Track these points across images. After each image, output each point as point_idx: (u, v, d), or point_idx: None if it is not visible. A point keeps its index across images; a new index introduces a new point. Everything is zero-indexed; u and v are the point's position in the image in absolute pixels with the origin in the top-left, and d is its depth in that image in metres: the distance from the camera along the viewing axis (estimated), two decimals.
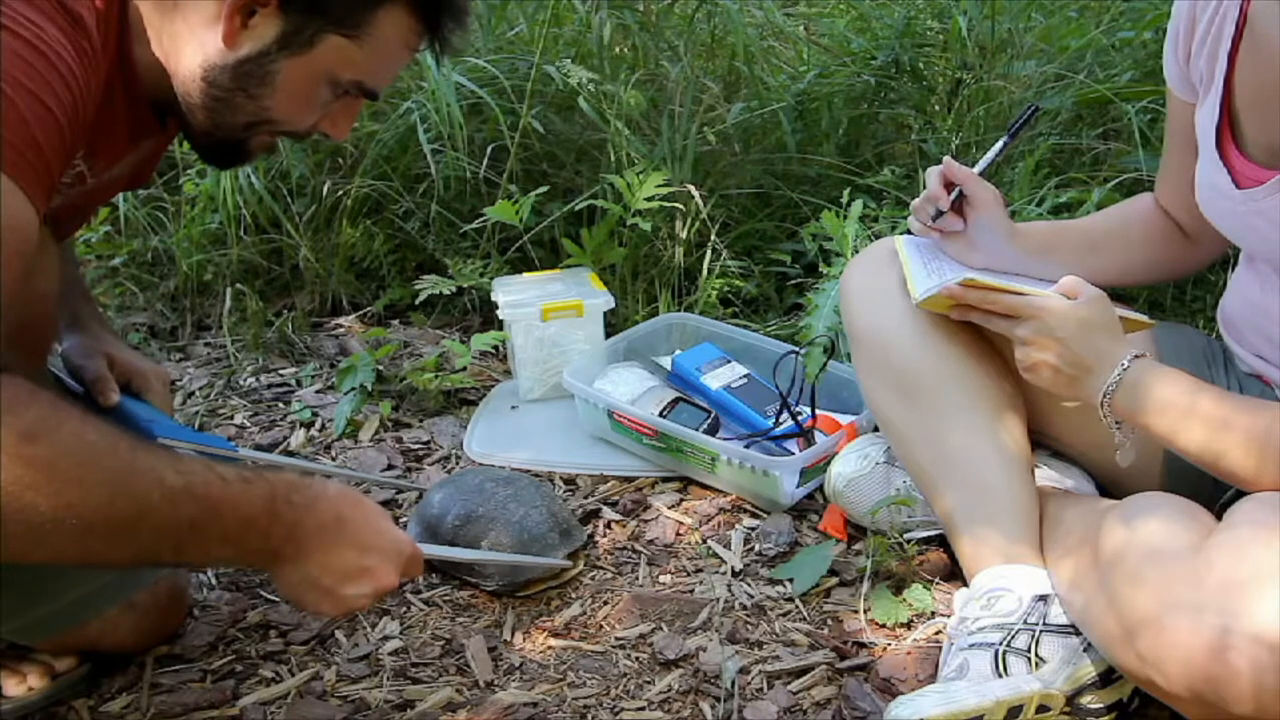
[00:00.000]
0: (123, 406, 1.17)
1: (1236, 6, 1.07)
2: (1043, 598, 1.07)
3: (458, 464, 1.60)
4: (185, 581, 1.25)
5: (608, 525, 1.44)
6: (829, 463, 1.41)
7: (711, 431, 1.52)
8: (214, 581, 1.34)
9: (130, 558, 0.90)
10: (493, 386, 1.80)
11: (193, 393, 1.83)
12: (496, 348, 1.83)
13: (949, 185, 1.24)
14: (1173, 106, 1.20)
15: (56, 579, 1.09)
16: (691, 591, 1.30)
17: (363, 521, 0.98)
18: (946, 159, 1.24)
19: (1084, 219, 1.36)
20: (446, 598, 1.30)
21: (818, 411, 1.53)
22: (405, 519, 1.45)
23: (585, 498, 1.50)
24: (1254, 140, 1.08)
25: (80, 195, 1.06)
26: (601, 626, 1.25)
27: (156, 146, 1.16)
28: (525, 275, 1.85)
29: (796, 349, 1.56)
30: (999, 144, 1.30)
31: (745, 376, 1.62)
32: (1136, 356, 1.04)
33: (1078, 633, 1.04)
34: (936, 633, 1.21)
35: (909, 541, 1.29)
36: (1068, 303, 1.08)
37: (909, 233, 1.33)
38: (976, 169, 1.25)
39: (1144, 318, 1.17)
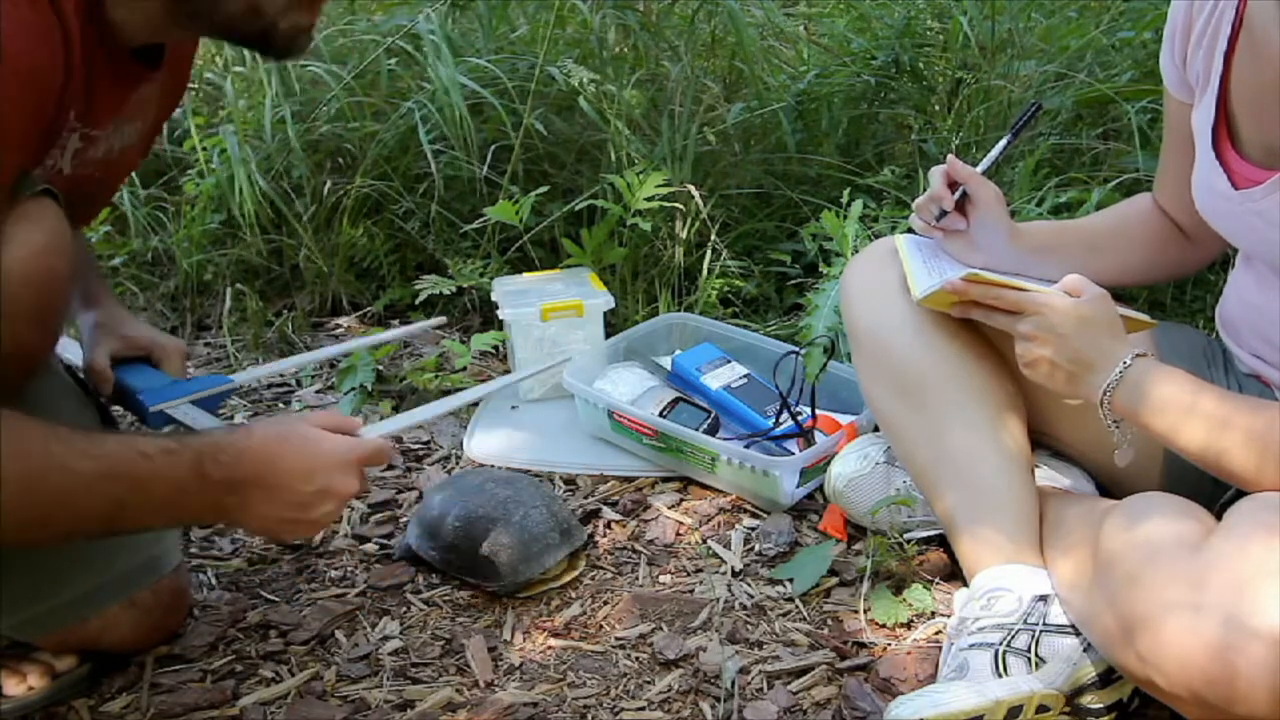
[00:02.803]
0: (119, 383, 1.24)
1: (1233, 7, 1.07)
2: (1043, 598, 1.07)
3: (458, 464, 1.60)
4: (186, 581, 1.25)
5: (608, 525, 1.44)
6: (829, 463, 1.41)
7: (711, 431, 1.52)
8: (214, 582, 1.34)
9: (60, 538, 0.95)
10: None
11: None
12: (496, 348, 1.83)
13: (953, 185, 1.24)
14: (1170, 107, 1.20)
15: (56, 575, 1.10)
16: (691, 591, 1.30)
17: (297, 452, 1.00)
18: (950, 158, 1.24)
19: (1084, 219, 1.36)
20: (446, 598, 1.30)
21: (818, 411, 1.53)
22: (406, 519, 1.45)
23: (585, 498, 1.50)
24: (1250, 140, 1.08)
25: (100, 166, 1.06)
26: (601, 626, 1.25)
27: (163, 101, 1.16)
28: (525, 275, 1.85)
29: (796, 349, 1.56)
30: (1002, 142, 1.29)
31: (745, 376, 1.62)
32: (1138, 355, 1.04)
33: (1078, 633, 1.04)
34: (936, 633, 1.21)
35: (909, 541, 1.29)
36: (1070, 300, 1.07)
37: (911, 231, 1.33)
38: (979, 168, 1.25)
39: (1145, 318, 1.16)
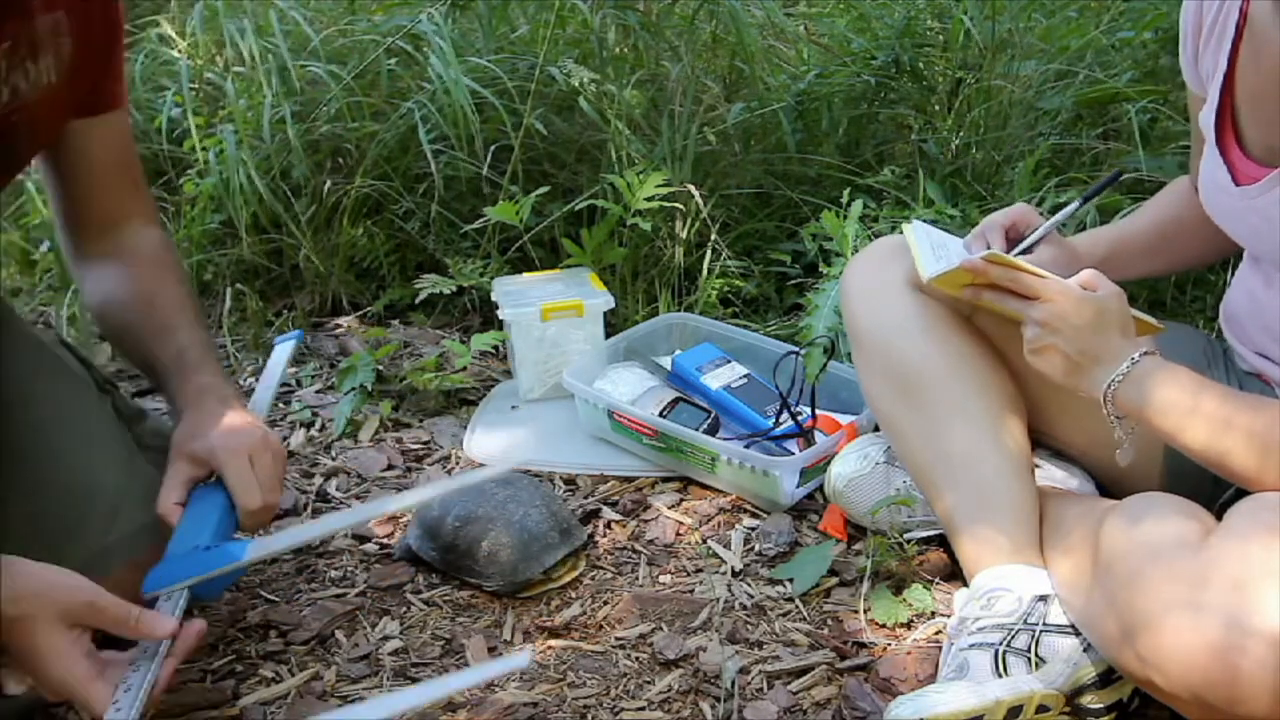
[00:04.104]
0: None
1: (1238, 5, 1.07)
2: (1043, 598, 1.07)
3: (458, 464, 1.60)
4: None
5: (608, 525, 1.44)
6: (829, 463, 1.41)
7: (711, 431, 1.52)
8: None
9: None
10: (493, 386, 1.80)
11: None
12: (496, 348, 1.83)
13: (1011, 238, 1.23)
14: (1192, 105, 1.20)
15: (67, 536, 1.10)
16: (691, 591, 1.30)
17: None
18: (1006, 220, 1.22)
19: (1136, 224, 1.33)
20: (446, 598, 1.30)
21: (818, 411, 1.53)
22: (406, 519, 1.45)
23: (585, 498, 1.50)
24: (1253, 139, 1.08)
25: (15, 110, 1.04)
26: (601, 626, 1.25)
27: (82, 40, 1.11)
28: (525, 275, 1.85)
29: (797, 349, 1.56)
30: (1072, 205, 1.27)
31: (745, 376, 1.62)
32: (1146, 353, 1.04)
33: (1078, 633, 1.04)
34: (936, 633, 1.21)
35: (909, 541, 1.29)
36: (1086, 292, 1.07)
37: (924, 222, 1.32)
38: (1040, 232, 1.21)
39: (1153, 321, 1.16)
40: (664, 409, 1.55)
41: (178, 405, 1.17)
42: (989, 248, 1.20)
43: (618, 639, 1.23)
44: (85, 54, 1.14)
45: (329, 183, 2.00)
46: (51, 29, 1.08)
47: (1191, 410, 0.99)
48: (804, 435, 1.50)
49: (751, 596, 1.29)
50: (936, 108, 2.09)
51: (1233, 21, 1.08)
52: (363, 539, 1.42)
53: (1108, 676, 1.03)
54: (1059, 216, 1.24)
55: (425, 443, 1.66)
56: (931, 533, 1.32)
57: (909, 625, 1.23)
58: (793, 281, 1.89)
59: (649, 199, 1.78)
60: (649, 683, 1.16)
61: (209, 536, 1.08)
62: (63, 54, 1.10)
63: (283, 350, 1.44)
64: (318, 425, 1.72)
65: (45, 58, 1.08)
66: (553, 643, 1.22)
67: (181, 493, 1.12)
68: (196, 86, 2.13)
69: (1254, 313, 1.16)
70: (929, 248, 1.23)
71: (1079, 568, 1.04)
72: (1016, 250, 1.21)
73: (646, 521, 1.44)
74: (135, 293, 1.23)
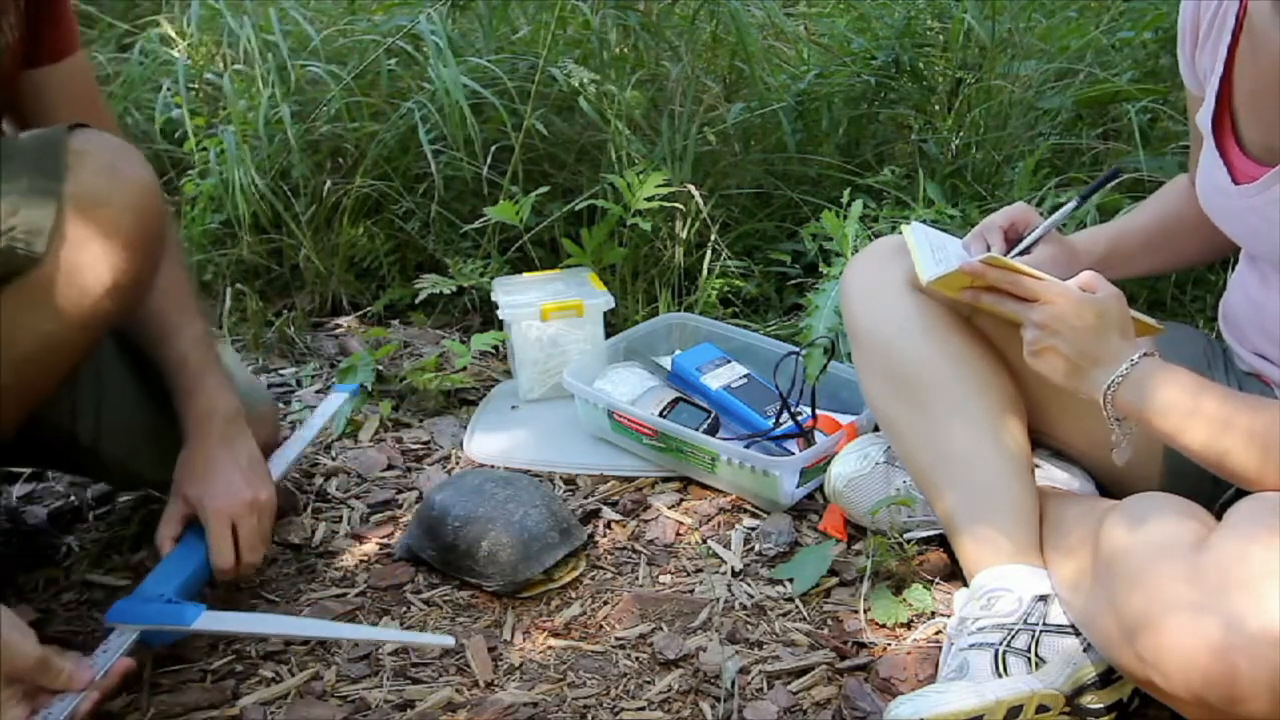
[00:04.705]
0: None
1: (1237, 4, 1.07)
2: (1043, 598, 1.07)
3: (458, 464, 1.60)
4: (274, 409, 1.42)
5: (608, 525, 1.44)
6: (829, 463, 1.41)
7: (711, 431, 1.52)
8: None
9: None
10: (493, 386, 1.80)
11: None
12: (496, 348, 1.83)
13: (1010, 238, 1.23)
14: (1192, 105, 1.20)
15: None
16: (691, 591, 1.30)
17: None
18: (1007, 219, 1.22)
19: (1136, 220, 1.33)
20: (446, 598, 1.30)
21: (818, 411, 1.53)
22: (406, 519, 1.45)
23: (585, 498, 1.50)
24: (1251, 138, 1.08)
25: None
26: (601, 626, 1.25)
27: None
28: (525, 275, 1.85)
29: (797, 349, 1.56)
30: (1069, 206, 1.27)
31: (745, 376, 1.62)
32: (1145, 354, 1.04)
33: (1078, 633, 1.04)
34: (936, 633, 1.21)
35: (909, 541, 1.29)
36: (1086, 294, 1.07)
37: (924, 222, 1.32)
38: (1038, 232, 1.21)
39: (1153, 322, 1.15)
40: (664, 409, 1.55)
41: (183, 423, 1.20)
42: (988, 249, 1.20)
43: (618, 639, 1.23)
44: (38, 3, 1.13)
45: (329, 183, 2.00)
46: None
47: (1191, 411, 0.99)
48: (804, 435, 1.50)
49: (751, 596, 1.29)
50: (936, 108, 2.09)
51: (1231, 21, 1.08)
52: (362, 539, 1.42)
53: (1108, 676, 1.03)
54: (1057, 216, 1.24)
55: (425, 443, 1.66)
56: (931, 533, 1.32)
57: (909, 625, 1.23)
58: (793, 281, 1.89)
59: (649, 199, 1.78)
60: (649, 683, 1.16)
61: (174, 589, 1.14)
62: (21, 8, 1.10)
63: (334, 400, 1.50)
64: None
65: (7, 17, 1.07)
66: (553, 643, 1.22)
67: (177, 528, 1.17)
68: (196, 86, 2.13)
69: (1251, 314, 1.16)
70: (928, 249, 1.23)
71: (1079, 568, 1.04)
72: (1015, 251, 1.21)
73: (646, 521, 1.44)
74: None
